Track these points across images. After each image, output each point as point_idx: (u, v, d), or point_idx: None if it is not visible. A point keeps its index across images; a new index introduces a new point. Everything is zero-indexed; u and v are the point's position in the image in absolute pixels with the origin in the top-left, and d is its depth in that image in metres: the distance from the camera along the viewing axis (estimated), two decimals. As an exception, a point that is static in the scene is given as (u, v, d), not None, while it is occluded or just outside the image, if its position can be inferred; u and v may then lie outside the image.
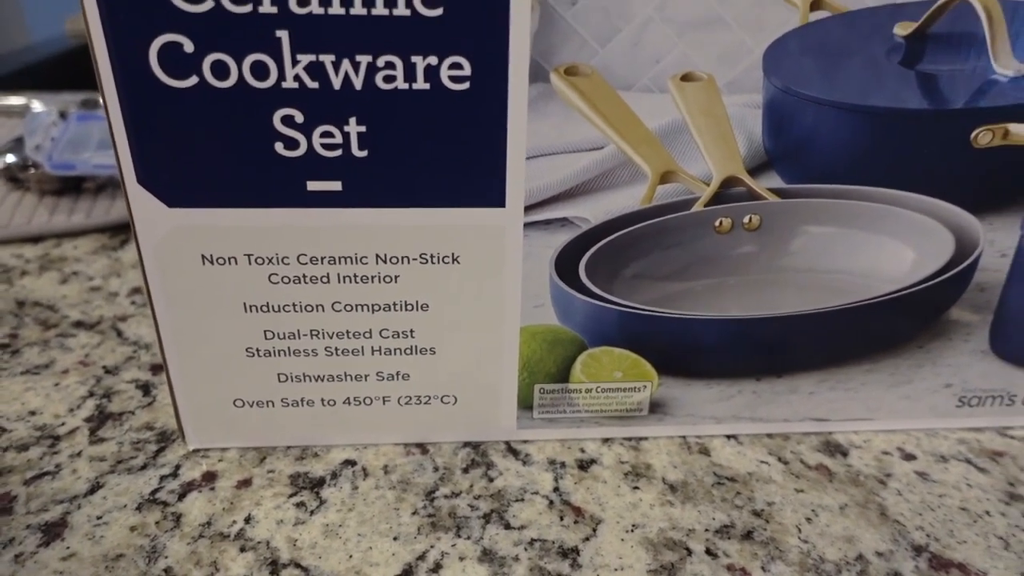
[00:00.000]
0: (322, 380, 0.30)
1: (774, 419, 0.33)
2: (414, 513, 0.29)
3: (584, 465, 0.31)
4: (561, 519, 0.28)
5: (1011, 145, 0.28)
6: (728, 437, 0.33)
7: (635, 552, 0.27)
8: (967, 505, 0.30)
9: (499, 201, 0.27)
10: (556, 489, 0.30)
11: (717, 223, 0.29)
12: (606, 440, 0.33)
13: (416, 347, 0.30)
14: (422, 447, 0.32)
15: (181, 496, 0.29)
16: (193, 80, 0.24)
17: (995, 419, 0.34)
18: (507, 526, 0.28)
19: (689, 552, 0.27)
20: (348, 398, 0.31)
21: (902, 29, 0.26)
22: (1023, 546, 0.28)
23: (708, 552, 0.27)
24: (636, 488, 0.30)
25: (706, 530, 0.28)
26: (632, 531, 0.28)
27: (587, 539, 0.28)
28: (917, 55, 0.26)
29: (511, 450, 0.32)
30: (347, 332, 0.29)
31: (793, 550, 0.27)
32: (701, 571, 0.26)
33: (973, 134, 0.27)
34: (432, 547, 0.27)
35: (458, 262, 0.28)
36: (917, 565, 0.27)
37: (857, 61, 0.26)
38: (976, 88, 0.27)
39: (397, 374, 0.31)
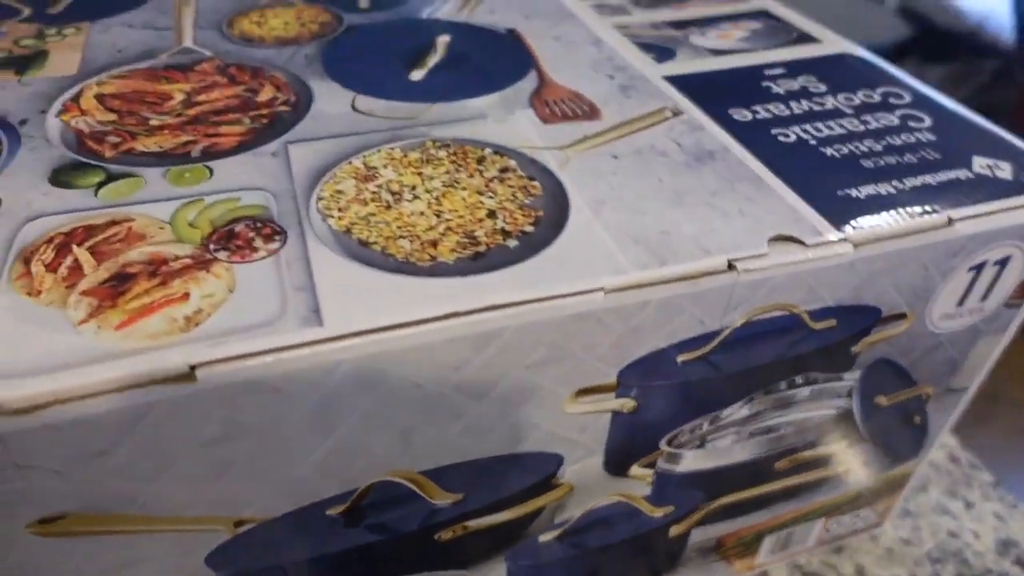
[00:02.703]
0: None
1: None
2: None
3: None
4: None
5: (474, 531, 0.32)
6: None
7: None
8: None
9: None
10: None
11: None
12: None
13: None
14: None
15: None
16: None
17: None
18: None
19: None
20: None
21: (334, 510, 0.28)
22: None
23: None
24: None
25: None
26: None
27: None
28: (360, 517, 0.29)
29: None
30: None
31: None
32: None
33: (437, 536, 0.31)
34: None
35: None
36: None
37: (310, 534, 0.28)
38: (425, 514, 0.30)
39: None
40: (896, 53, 2.27)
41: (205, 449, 0.24)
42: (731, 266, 0.27)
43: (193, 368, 0.22)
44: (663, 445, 0.33)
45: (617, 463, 0.33)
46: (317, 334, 0.23)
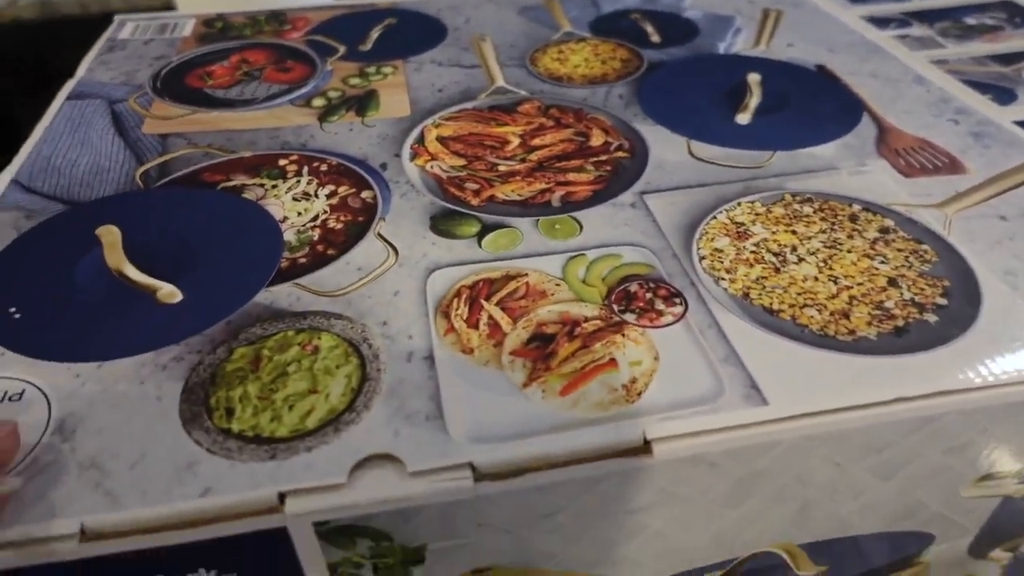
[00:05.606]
0: None
1: None
2: None
3: None
4: None
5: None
6: None
7: None
8: None
9: None
10: None
11: None
12: None
13: None
14: None
15: None
16: None
17: None
18: None
19: None
20: None
21: (712, 577, 0.28)
22: None
23: None
24: None
25: None
26: None
27: None
28: (729, 584, 0.28)
29: None
30: None
31: None
32: None
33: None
34: None
35: None
36: None
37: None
38: (785, 584, 0.29)
39: None
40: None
41: (630, 515, 0.24)
42: None
43: (648, 443, 0.22)
44: (1036, 530, 0.31)
45: (985, 545, 0.31)
46: (764, 414, 0.23)
